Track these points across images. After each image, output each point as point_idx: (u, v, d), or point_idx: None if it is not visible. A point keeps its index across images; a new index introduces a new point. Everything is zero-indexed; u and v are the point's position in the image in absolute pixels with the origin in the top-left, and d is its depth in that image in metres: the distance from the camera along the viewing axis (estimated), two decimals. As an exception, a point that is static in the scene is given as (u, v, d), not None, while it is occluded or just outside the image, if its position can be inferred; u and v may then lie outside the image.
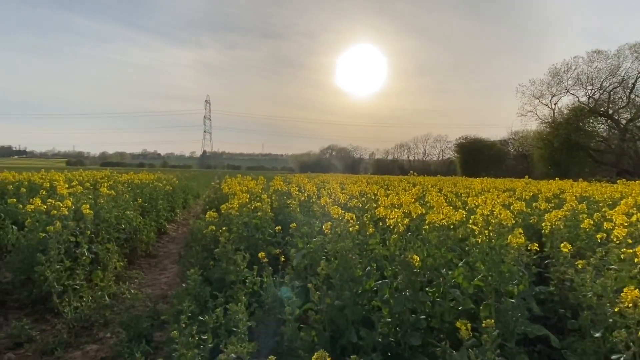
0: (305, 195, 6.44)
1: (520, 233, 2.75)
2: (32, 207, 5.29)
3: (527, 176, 17.81)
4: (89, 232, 5.80)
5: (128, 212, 7.38)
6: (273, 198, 6.85)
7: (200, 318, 3.13)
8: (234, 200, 6.73)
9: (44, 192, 6.87)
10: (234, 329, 2.69)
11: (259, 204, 6.06)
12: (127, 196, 8.07)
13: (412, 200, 3.07)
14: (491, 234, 2.90)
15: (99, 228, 6.30)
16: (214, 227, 5.30)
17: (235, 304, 3.11)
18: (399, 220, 2.74)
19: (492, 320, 2.08)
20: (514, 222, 3.03)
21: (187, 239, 9.72)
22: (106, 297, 4.43)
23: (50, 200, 5.80)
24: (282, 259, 3.87)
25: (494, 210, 3.00)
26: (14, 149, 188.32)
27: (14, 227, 7.36)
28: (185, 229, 11.45)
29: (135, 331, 3.39)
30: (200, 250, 4.92)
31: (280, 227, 5.24)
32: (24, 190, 9.28)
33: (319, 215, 4.89)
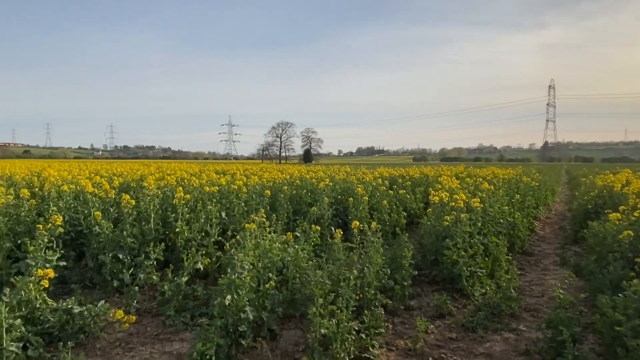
0: None
1: None
2: (437, 198, 6.17)
3: None
4: (479, 224, 6.25)
5: (505, 207, 7.47)
6: None
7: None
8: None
9: (439, 185, 7.93)
10: None
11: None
12: (502, 192, 8.20)
13: None
14: None
15: (484, 221, 6.67)
16: (630, 233, 4.54)
17: None
18: None
19: None
20: None
21: (559, 239, 8.93)
22: (512, 289, 4.58)
23: (445, 193, 6.62)
24: None
25: None
26: (375, 149, 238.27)
27: (404, 212, 8.98)
28: (551, 228, 10.58)
29: (565, 334, 3.28)
30: (618, 258, 4.29)
31: None
32: (409, 183, 11.17)
33: None
